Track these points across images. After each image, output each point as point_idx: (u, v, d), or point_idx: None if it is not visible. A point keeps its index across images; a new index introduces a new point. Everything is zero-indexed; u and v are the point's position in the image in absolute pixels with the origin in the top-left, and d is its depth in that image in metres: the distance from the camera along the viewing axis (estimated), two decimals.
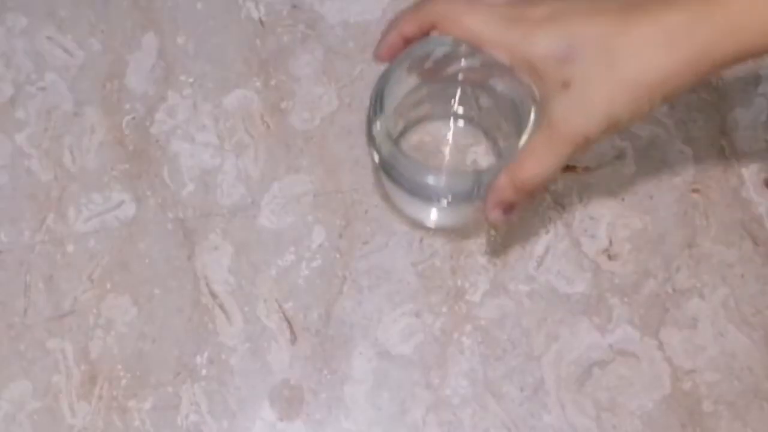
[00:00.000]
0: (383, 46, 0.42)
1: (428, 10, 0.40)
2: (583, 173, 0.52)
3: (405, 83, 0.44)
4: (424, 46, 0.41)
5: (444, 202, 0.41)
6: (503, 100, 0.44)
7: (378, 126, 0.40)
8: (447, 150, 0.51)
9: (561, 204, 0.51)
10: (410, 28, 0.41)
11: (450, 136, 0.51)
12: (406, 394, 0.48)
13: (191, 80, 0.55)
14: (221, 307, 0.50)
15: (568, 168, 0.52)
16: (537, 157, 0.38)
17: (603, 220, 0.51)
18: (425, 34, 0.41)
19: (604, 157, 0.52)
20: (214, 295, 0.50)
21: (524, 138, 0.38)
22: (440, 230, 0.50)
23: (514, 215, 0.40)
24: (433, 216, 0.47)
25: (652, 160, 0.52)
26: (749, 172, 0.52)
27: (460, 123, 0.50)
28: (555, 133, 0.37)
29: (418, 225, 0.50)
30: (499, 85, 0.43)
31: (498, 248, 0.50)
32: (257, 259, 0.51)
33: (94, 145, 0.54)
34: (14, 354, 0.49)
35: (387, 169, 0.41)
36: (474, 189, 0.40)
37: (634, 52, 0.35)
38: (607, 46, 0.35)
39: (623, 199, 0.51)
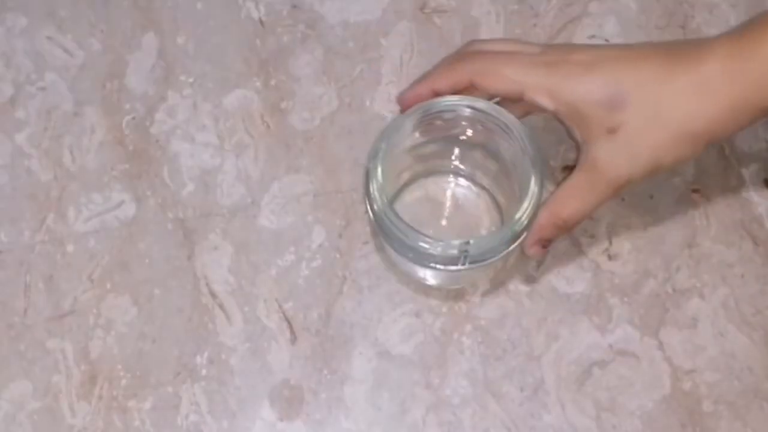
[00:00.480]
0: (411, 95, 0.42)
1: (465, 67, 0.40)
2: None
3: (409, 138, 0.44)
4: (437, 105, 0.41)
5: (432, 265, 0.41)
6: (504, 161, 0.45)
7: (374, 185, 0.41)
8: (447, 207, 0.51)
9: None
10: (444, 84, 0.41)
11: (451, 193, 0.51)
12: (406, 394, 0.48)
13: (191, 80, 0.55)
14: (221, 307, 0.50)
15: (568, 168, 0.52)
16: (579, 197, 0.39)
17: (603, 220, 0.51)
18: (458, 91, 0.41)
19: None
20: (214, 295, 0.50)
21: (525, 203, 0.40)
22: (436, 288, 0.50)
23: (550, 248, 0.41)
24: (424, 275, 0.47)
25: None
26: (749, 172, 0.52)
27: (462, 181, 0.50)
28: (598, 175, 0.38)
29: (413, 280, 0.50)
30: (502, 146, 0.43)
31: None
32: (257, 259, 0.51)
33: (94, 145, 0.54)
34: (14, 354, 0.49)
35: (380, 226, 0.41)
36: (460, 258, 0.40)
37: (678, 101, 0.36)
38: (654, 94, 0.36)
39: (623, 199, 0.51)
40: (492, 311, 0.49)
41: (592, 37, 0.55)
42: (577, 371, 0.48)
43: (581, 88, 0.37)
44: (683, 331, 0.49)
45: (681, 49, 0.37)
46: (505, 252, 0.41)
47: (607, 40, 0.55)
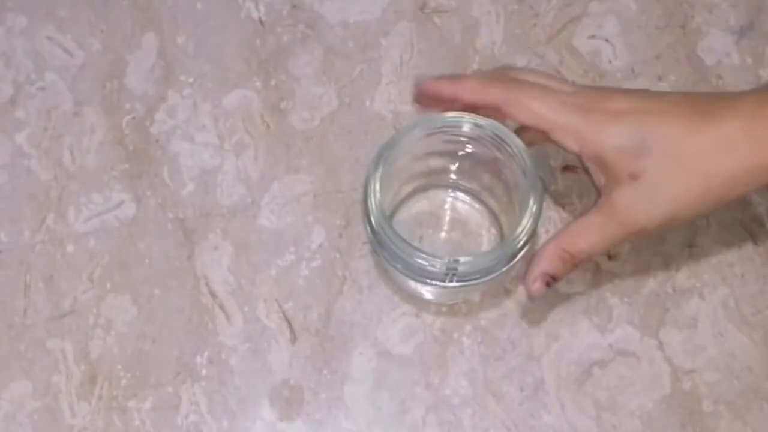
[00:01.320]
0: (432, 87, 0.42)
1: (497, 93, 0.40)
2: (583, 173, 0.52)
3: (410, 152, 0.44)
4: (440, 120, 0.42)
5: (427, 281, 0.41)
6: (505, 179, 0.45)
7: (372, 200, 0.41)
8: (446, 221, 0.51)
9: (561, 204, 0.51)
10: (470, 98, 0.41)
11: (451, 207, 0.51)
12: (406, 394, 0.48)
13: (191, 80, 0.55)
14: (221, 307, 0.50)
15: (568, 168, 0.52)
16: (592, 235, 0.39)
17: None
18: (476, 109, 0.41)
19: None
20: (214, 295, 0.50)
21: (524, 221, 0.40)
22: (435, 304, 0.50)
23: (550, 288, 0.40)
24: (421, 290, 0.47)
25: None
26: None
27: (462, 196, 0.50)
28: (615, 217, 0.38)
29: (413, 296, 0.50)
30: (502, 163, 0.44)
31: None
32: (257, 259, 0.51)
33: (94, 145, 0.54)
34: (14, 354, 0.49)
35: (377, 241, 0.41)
36: (448, 275, 0.40)
37: (700, 155, 0.36)
38: (677, 147, 0.37)
39: None
40: (492, 311, 0.49)
41: (592, 37, 0.55)
42: (577, 371, 0.48)
43: (608, 137, 0.38)
44: (683, 331, 0.49)
45: (708, 103, 0.37)
46: (500, 272, 0.41)
47: (607, 40, 0.55)
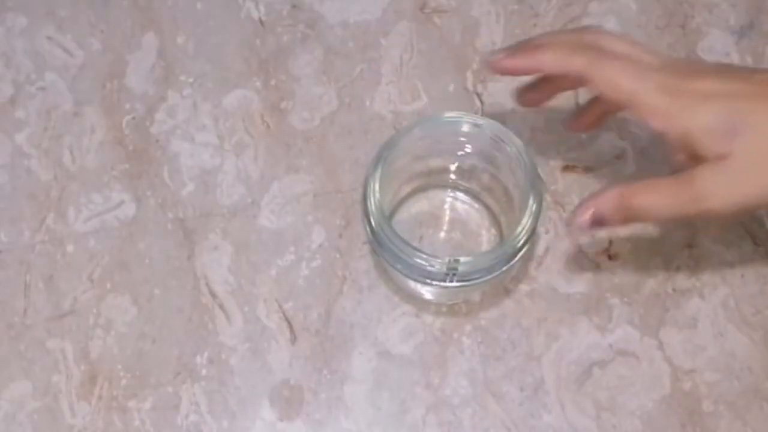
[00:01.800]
0: (511, 64, 0.40)
1: (580, 60, 0.38)
2: (583, 173, 0.52)
3: (410, 152, 0.44)
4: (438, 120, 0.41)
5: (427, 281, 0.41)
6: (504, 178, 0.45)
7: (372, 200, 0.41)
8: (446, 221, 0.51)
9: (561, 204, 0.51)
10: (553, 67, 0.39)
11: (450, 207, 0.51)
12: (406, 394, 0.48)
13: (191, 80, 0.55)
14: (221, 307, 0.50)
15: (568, 168, 0.52)
16: (662, 197, 0.38)
17: None
18: (559, 80, 0.40)
19: (604, 157, 0.52)
20: (214, 295, 0.50)
21: (524, 221, 0.40)
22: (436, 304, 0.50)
23: (587, 235, 0.39)
24: (421, 290, 0.47)
25: (652, 160, 0.52)
26: None
27: (462, 195, 0.50)
28: (691, 190, 0.37)
29: (413, 296, 0.49)
30: (502, 163, 0.44)
31: None
32: (257, 259, 0.51)
33: (94, 145, 0.54)
34: (14, 354, 0.49)
35: (377, 241, 0.41)
36: (448, 275, 0.40)
37: None
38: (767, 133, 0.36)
39: None
40: (492, 311, 0.49)
41: None
42: (577, 371, 0.48)
43: (698, 119, 0.37)
44: (683, 331, 0.49)
45: None
46: (500, 272, 0.41)
47: None
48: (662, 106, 0.37)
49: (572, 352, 0.48)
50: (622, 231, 0.51)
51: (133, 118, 0.54)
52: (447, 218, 0.51)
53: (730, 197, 0.37)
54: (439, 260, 0.40)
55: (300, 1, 0.57)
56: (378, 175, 0.41)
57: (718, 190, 0.37)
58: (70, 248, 0.51)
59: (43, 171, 0.53)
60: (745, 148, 0.36)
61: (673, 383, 0.48)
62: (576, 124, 0.46)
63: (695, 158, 0.37)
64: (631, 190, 0.38)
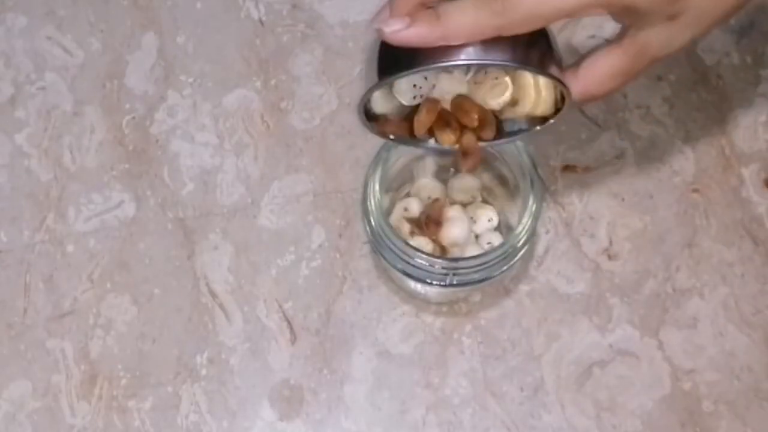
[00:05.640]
0: (416, 31, 0.34)
1: (491, 23, 0.34)
2: (583, 173, 0.52)
3: (409, 152, 0.44)
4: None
5: (427, 281, 0.41)
6: (504, 178, 0.45)
7: (372, 200, 0.41)
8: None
9: (561, 204, 0.51)
10: (464, 41, 0.34)
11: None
12: (406, 393, 0.48)
13: (191, 80, 0.55)
14: (221, 306, 0.50)
15: (568, 168, 0.52)
16: (618, 80, 0.38)
17: (603, 220, 0.51)
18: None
19: (604, 157, 0.52)
20: (213, 295, 0.50)
21: (524, 221, 0.40)
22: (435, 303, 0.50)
23: (588, 102, 0.39)
24: (421, 290, 0.47)
25: (652, 160, 0.52)
26: (749, 172, 0.52)
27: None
28: (643, 57, 0.38)
29: (413, 296, 0.49)
30: (501, 162, 0.44)
31: None
32: (257, 259, 0.51)
33: (93, 145, 0.54)
34: (14, 354, 0.49)
35: (376, 241, 0.41)
36: (448, 276, 0.41)
37: None
38: None
39: (623, 199, 0.51)
40: (492, 311, 0.49)
41: (592, 37, 0.55)
42: (577, 371, 0.48)
43: None
44: (683, 331, 0.49)
45: None
46: (500, 272, 0.41)
47: (607, 40, 0.55)
48: None
49: (572, 352, 0.48)
50: (622, 231, 0.51)
51: (133, 117, 0.54)
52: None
53: (683, 42, 0.37)
54: (439, 260, 0.40)
55: (300, 0, 0.57)
56: (378, 175, 0.41)
57: (673, 42, 0.37)
58: (70, 248, 0.51)
59: (43, 171, 0.53)
60: (694, 3, 0.36)
61: (673, 383, 0.48)
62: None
63: (643, 22, 0.37)
64: (591, 85, 0.39)
